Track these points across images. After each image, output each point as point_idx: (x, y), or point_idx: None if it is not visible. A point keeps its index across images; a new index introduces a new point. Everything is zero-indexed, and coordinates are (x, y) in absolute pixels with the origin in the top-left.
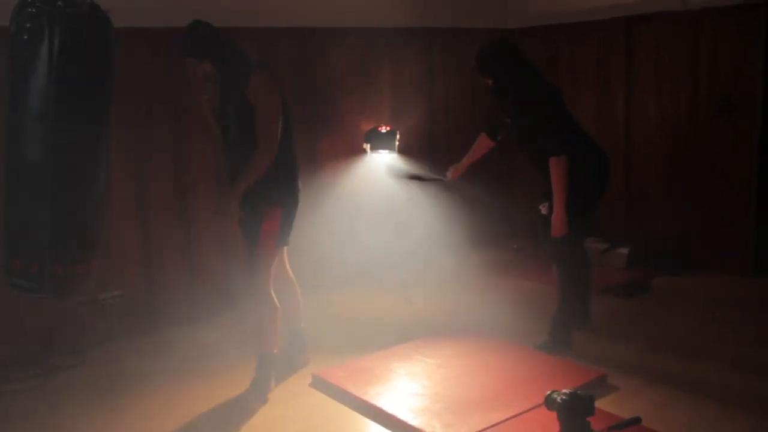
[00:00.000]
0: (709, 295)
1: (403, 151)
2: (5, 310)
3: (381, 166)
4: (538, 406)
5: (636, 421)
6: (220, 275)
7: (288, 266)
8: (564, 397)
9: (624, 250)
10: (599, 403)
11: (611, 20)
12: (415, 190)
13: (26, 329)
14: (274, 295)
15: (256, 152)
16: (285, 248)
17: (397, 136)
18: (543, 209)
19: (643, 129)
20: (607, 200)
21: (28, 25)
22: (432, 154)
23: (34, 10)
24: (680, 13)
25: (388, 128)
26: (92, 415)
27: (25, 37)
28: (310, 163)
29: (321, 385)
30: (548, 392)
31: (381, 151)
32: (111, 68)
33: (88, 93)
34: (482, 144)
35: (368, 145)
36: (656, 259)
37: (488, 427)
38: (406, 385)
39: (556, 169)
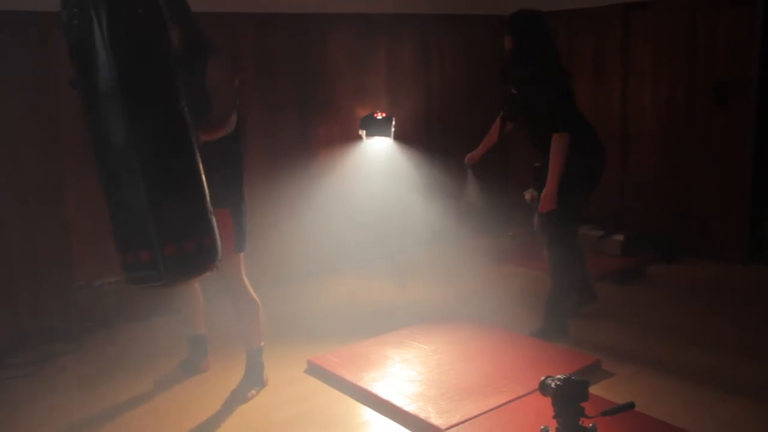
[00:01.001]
0: (704, 282)
1: (399, 137)
2: (5, 295)
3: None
4: (533, 391)
5: (630, 406)
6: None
7: None
8: (558, 383)
9: (619, 237)
10: (593, 389)
11: (608, 7)
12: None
13: (22, 316)
14: (252, 291)
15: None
16: None
17: (393, 123)
18: (528, 195)
19: (639, 116)
20: (603, 187)
21: (75, 10)
22: (428, 140)
23: None
24: (677, 0)
25: (384, 115)
26: (87, 400)
27: (75, 22)
28: (305, 149)
29: (316, 371)
30: (543, 378)
31: (377, 137)
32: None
33: (147, 67)
34: (495, 125)
35: (364, 132)
36: (651, 246)
37: (483, 413)
38: (401, 371)
39: (557, 144)
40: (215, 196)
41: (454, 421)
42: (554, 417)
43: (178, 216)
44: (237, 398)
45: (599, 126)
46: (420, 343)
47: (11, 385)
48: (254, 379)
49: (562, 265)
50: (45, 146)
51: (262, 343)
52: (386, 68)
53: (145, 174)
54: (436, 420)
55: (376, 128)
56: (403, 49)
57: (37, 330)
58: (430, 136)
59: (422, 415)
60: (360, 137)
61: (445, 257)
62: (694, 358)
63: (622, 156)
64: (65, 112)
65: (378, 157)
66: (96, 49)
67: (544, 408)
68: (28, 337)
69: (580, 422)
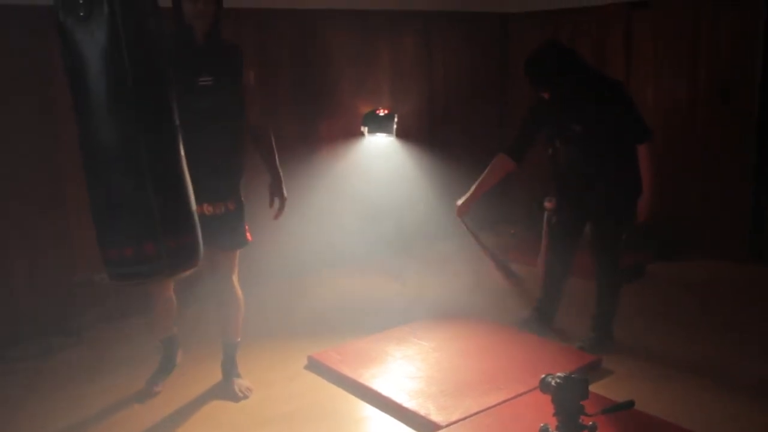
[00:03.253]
0: (704, 280)
1: (401, 134)
2: (3, 289)
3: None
4: (533, 389)
5: (629, 404)
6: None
7: None
8: (558, 381)
9: None
10: (594, 387)
11: (611, 5)
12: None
13: (22, 309)
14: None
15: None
16: None
17: (395, 119)
18: (549, 204)
19: (642, 114)
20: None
21: (81, 1)
22: (430, 136)
23: None
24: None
25: (386, 111)
26: (86, 395)
27: (82, 14)
28: (307, 145)
29: (316, 367)
30: (543, 376)
31: (379, 134)
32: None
33: (156, 58)
34: (501, 167)
35: (366, 128)
36: (651, 245)
37: (483, 410)
38: (401, 368)
39: (648, 151)
40: (227, 192)
41: (454, 417)
42: (554, 415)
43: (177, 211)
44: (230, 394)
45: None
46: (420, 340)
47: (11, 379)
48: (233, 371)
49: (614, 275)
50: (45, 141)
51: (239, 339)
52: (388, 65)
53: (151, 170)
54: (435, 417)
55: (378, 125)
56: (406, 45)
57: (37, 324)
58: (432, 133)
59: (422, 412)
60: (362, 134)
61: (446, 254)
62: (693, 356)
63: None
64: (66, 106)
65: (380, 154)
66: (102, 45)
67: (544, 406)
68: (28, 332)
69: (580, 420)
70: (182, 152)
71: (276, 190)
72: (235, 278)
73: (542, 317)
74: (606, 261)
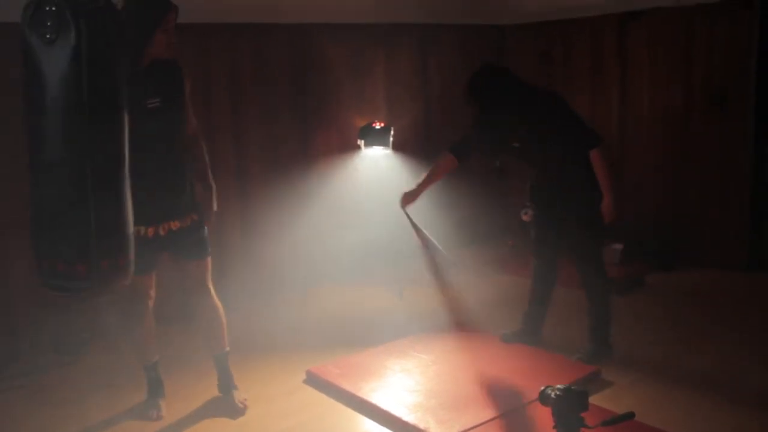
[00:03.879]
0: (703, 290)
1: (398, 147)
2: (2, 306)
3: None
4: (533, 401)
5: (629, 416)
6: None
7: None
8: (558, 393)
9: (618, 246)
10: (593, 399)
11: (605, 16)
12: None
13: (24, 324)
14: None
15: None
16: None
17: (392, 133)
18: (525, 216)
19: (637, 124)
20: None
21: (49, 23)
22: (426, 150)
23: (54, 9)
24: (674, 9)
25: (383, 124)
26: (89, 410)
27: (48, 36)
28: (304, 159)
29: (315, 381)
30: (542, 388)
31: (375, 147)
32: (124, 60)
33: (113, 86)
34: (444, 165)
35: (362, 142)
36: (650, 255)
37: (482, 423)
38: (400, 382)
39: (600, 156)
40: (190, 205)
41: (454, 431)
42: (554, 427)
43: (115, 232)
44: (230, 409)
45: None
46: (419, 353)
47: (9, 396)
48: (230, 383)
49: (601, 284)
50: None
51: (227, 348)
52: (384, 78)
53: (95, 191)
54: (435, 430)
55: (374, 138)
56: (402, 58)
57: (36, 341)
58: (428, 146)
59: (421, 426)
60: (358, 147)
61: (443, 267)
62: (694, 366)
63: (620, 163)
64: None
65: (376, 167)
66: (64, 65)
67: (544, 418)
68: (27, 349)
69: None
70: (127, 177)
71: (209, 202)
72: (211, 287)
73: (530, 327)
74: (586, 269)
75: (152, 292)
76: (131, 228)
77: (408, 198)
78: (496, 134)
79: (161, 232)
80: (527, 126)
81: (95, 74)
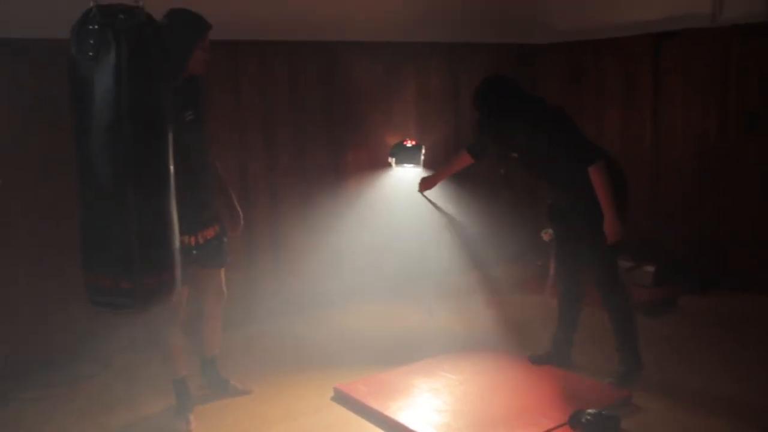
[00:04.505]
0: (738, 314)
1: (429, 165)
2: (30, 318)
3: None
4: (562, 425)
5: None
6: (242, 287)
7: None
8: (589, 418)
9: (650, 268)
10: (625, 424)
11: (638, 36)
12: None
13: (50, 337)
14: None
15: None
16: None
17: (423, 151)
18: (546, 236)
19: (671, 145)
20: (634, 217)
21: (92, 41)
22: None
23: (96, 27)
24: (708, 29)
25: (414, 142)
26: (113, 424)
27: (91, 53)
28: (334, 176)
29: (342, 399)
30: (573, 412)
31: (406, 165)
32: (168, 74)
33: (155, 102)
34: (460, 160)
35: (393, 159)
36: (683, 277)
37: None
38: (428, 401)
39: (599, 174)
40: (213, 214)
41: None
42: None
43: (159, 249)
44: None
45: (630, 155)
46: (448, 373)
47: (38, 406)
48: (222, 377)
49: (618, 302)
50: (72, 174)
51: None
52: (415, 96)
53: (137, 208)
54: None
55: (405, 156)
56: (432, 76)
57: (67, 352)
58: None
59: None
60: (389, 165)
61: (472, 285)
62: (728, 394)
63: (654, 185)
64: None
65: (407, 185)
66: (107, 82)
67: None
68: (57, 360)
69: None
70: (173, 193)
71: (234, 211)
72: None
73: (559, 349)
74: (603, 288)
75: (184, 306)
76: (177, 243)
77: (426, 183)
78: (495, 141)
79: (200, 241)
80: (524, 137)
81: (137, 91)
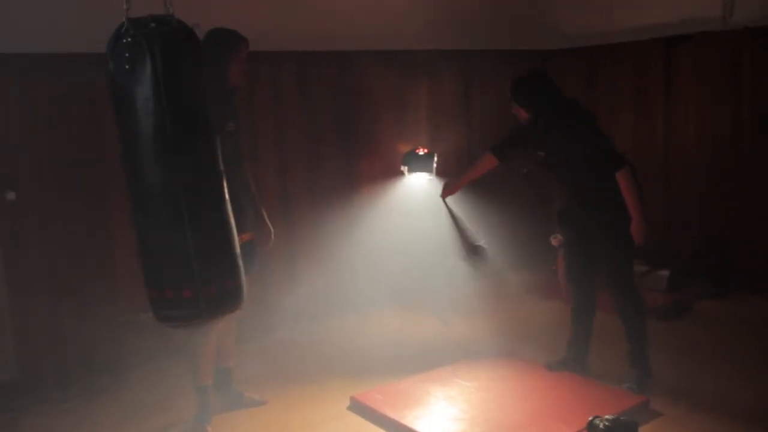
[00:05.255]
0: (753, 318)
1: (441, 173)
2: (47, 330)
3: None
4: (580, 431)
5: None
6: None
7: None
8: (607, 423)
9: (665, 273)
10: (643, 430)
11: (650, 40)
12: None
13: (66, 349)
14: None
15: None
16: None
17: (435, 159)
18: (554, 241)
19: (684, 149)
20: (648, 221)
21: (127, 54)
22: None
23: (130, 40)
24: (720, 32)
25: (426, 151)
26: None
27: (127, 66)
28: (347, 184)
29: (358, 408)
30: (591, 418)
31: (419, 173)
32: (205, 82)
33: (196, 111)
34: (485, 163)
35: (406, 168)
36: (698, 282)
37: None
38: (445, 409)
39: (626, 179)
40: (248, 223)
41: None
42: None
43: (217, 256)
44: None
45: (642, 158)
46: (463, 381)
47: (54, 417)
48: (236, 390)
49: (632, 307)
50: (93, 187)
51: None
52: (428, 104)
53: (191, 216)
54: None
55: (417, 164)
56: (445, 84)
57: (83, 365)
58: None
59: None
60: (402, 173)
61: (486, 293)
62: (746, 398)
63: (667, 189)
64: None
65: (420, 193)
66: (146, 93)
67: None
68: (75, 372)
69: None
70: (227, 197)
71: (263, 221)
72: None
73: (574, 356)
74: (616, 292)
75: None
76: (237, 249)
77: (448, 190)
78: (525, 138)
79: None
80: (553, 136)
81: (175, 101)
